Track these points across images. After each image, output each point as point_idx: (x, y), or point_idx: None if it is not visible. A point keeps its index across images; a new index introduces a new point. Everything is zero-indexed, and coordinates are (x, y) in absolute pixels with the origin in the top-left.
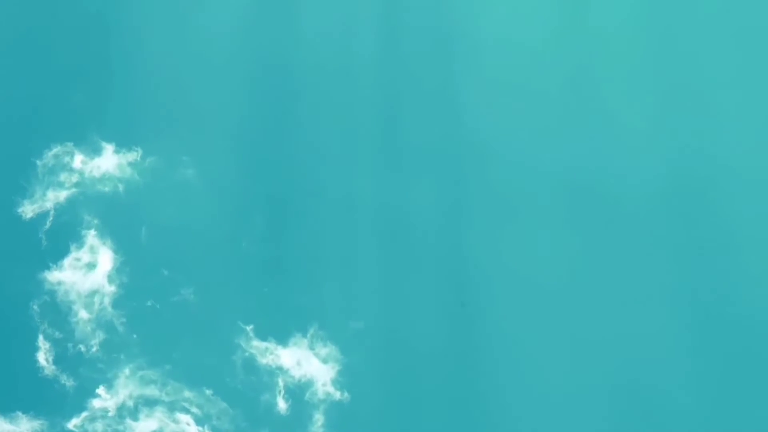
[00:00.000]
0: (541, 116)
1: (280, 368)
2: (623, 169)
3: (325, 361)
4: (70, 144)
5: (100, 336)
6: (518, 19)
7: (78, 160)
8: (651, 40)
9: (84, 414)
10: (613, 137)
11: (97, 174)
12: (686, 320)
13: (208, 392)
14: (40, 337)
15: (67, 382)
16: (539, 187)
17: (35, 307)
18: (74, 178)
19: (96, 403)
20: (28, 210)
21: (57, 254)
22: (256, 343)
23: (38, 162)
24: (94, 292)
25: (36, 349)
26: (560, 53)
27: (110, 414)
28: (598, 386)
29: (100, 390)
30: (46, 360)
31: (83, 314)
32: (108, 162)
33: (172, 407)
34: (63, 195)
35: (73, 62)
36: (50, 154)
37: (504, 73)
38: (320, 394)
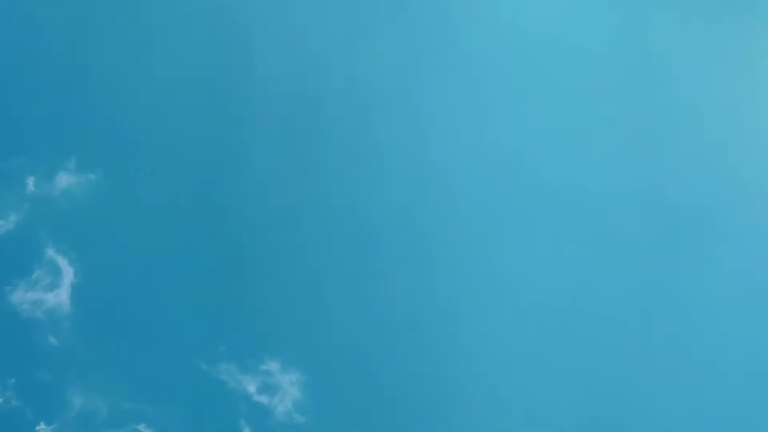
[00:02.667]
0: (513, 132)
1: (244, 391)
2: (595, 183)
3: (290, 384)
4: (22, 159)
5: (62, 355)
6: (490, 33)
7: (31, 182)
8: (628, 59)
9: None
10: (589, 152)
11: (56, 193)
12: (657, 337)
13: (171, 413)
14: None
15: (27, 408)
16: (510, 204)
17: None
18: (30, 200)
19: (55, 426)
20: None
21: (16, 276)
22: (220, 365)
23: None
24: (55, 313)
25: None
26: (536, 69)
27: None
28: (567, 400)
29: (41, 426)
30: (3, 393)
31: (44, 336)
32: (68, 181)
33: (133, 427)
34: (19, 217)
35: (36, 82)
36: (3, 172)
37: (472, 84)
38: (283, 418)
